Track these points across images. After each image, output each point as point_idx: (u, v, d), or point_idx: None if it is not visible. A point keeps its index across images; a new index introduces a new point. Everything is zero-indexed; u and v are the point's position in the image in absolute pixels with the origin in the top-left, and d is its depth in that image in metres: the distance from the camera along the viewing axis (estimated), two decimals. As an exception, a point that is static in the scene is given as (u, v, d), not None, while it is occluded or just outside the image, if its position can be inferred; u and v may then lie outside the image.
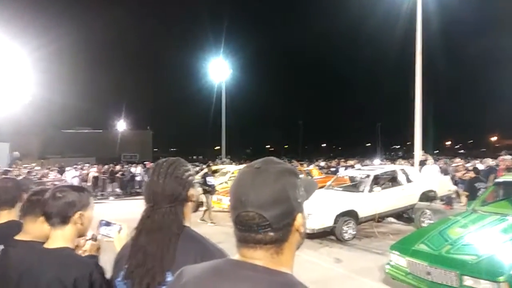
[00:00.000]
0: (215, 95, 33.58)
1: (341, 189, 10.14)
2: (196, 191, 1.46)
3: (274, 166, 0.90)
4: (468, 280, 4.19)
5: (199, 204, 10.62)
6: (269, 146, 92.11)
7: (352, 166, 18.19)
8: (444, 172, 12.64)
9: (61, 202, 1.61)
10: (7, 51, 20.28)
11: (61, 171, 18.76)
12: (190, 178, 1.43)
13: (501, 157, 11.95)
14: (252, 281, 0.83)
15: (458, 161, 15.51)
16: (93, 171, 18.85)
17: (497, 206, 6.07)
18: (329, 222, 8.31)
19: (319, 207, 8.47)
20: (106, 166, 21.25)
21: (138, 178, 19.56)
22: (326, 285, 5.75)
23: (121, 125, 52.79)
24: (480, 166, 12.43)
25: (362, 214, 8.80)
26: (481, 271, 4.17)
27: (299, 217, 0.88)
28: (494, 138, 74.82)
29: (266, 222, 0.84)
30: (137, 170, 20.20)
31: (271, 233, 0.85)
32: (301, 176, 0.97)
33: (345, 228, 8.45)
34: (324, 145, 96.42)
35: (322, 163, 24.81)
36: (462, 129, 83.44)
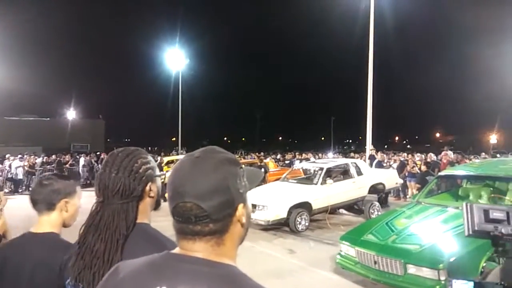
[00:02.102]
0: (172, 85, 32.97)
1: (295, 181, 10.35)
2: (156, 186, 1.34)
3: (214, 155, 0.87)
4: (411, 268, 4.45)
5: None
6: (226, 138, 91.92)
7: (307, 159, 18.60)
8: (402, 166, 13.11)
9: (47, 189, 1.67)
10: None
11: (2, 161, 17.59)
12: (149, 172, 1.31)
13: (444, 152, 12.76)
14: (191, 274, 0.80)
15: (404, 155, 16.36)
16: (16, 163, 16.65)
17: (439, 198, 6.48)
18: (283, 214, 8.47)
19: (274, 199, 8.60)
20: (53, 156, 20.21)
21: (86, 169, 18.81)
22: (280, 276, 5.86)
23: (71, 114, 50.39)
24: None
25: (315, 205, 9.04)
26: (424, 259, 4.44)
27: (240, 207, 0.86)
28: (437, 134, 79.68)
29: (205, 213, 0.81)
30: (85, 161, 19.33)
31: (210, 224, 0.82)
32: (245, 166, 0.96)
33: (298, 219, 8.65)
34: (281, 138, 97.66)
35: (278, 156, 25.16)
36: (409, 125, 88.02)
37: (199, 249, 0.83)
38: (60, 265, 1.46)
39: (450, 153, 12.39)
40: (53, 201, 1.67)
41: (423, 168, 10.35)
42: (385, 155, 14.77)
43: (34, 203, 1.69)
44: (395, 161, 14.66)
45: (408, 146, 63.85)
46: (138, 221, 1.26)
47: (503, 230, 2.04)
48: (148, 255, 1.10)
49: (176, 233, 0.86)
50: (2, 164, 16.70)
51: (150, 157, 1.36)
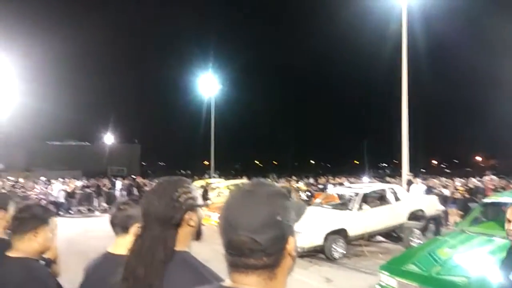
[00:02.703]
0: (205, 110, 33.67)
1: (330, 207, 10.15)
2: (197, 216, 1.37)
3: (266, 188, 0.89)
4: (458, 302, 4.20)
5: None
6: (258, 162, 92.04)
7: (341, 184, 18.27)
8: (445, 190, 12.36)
9: (123, 214, 1.80)
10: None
11: (47, 184, 18.42)
12: (189, 201, 1.33)
13: (489, 177, 12.17)
14: None
15: (444, 180, 15.72)
16: (58, 186, 17.46)
17: (485, 227, 6.14)
18: (319, 241, 8.28)
19: (309, 225, 8.44)
20: (92, 180, 20.96)
21: (118, 193, 19.30)
22: (316, 305, 5.69)
23: (109, 138, 52.34)
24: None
25: (351, 232, 8.79)
26: (471, 293, 4.18)
27: (291, 240, 0.87)
28: (479, 158, 76.22)
29: (259, 247, 0.82)
30: (119, 185, 19.76)
31: (264, 258, 0.83)
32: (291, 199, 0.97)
33: (334, 246, 8.43)
34: (313, 162, 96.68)
35: (311, 180, 24.86)
36: (448, 148, 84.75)
37: (252, 282, 0.83)
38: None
39: (494, 178, 11.80)
40: (127, 225, 1.78)
41: (465, 194, 9.91)
42: (436, 181, 13.86)
43: (112, 225, 1.82)
44: (445, 187, 13.71)
45: (447, 170, 61.37)
46: (178, 249, 1.29)
47: None
48: (187, 283, 1.12)
49: (228, 265, 0.87)
50: (47, 188, 17.46)
51: (192, 187, 1.40)
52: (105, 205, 18.94)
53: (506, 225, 2.49)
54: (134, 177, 23.52)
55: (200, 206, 1.39)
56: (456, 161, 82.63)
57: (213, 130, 31.69)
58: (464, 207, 9.00)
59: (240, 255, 0.83)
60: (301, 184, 20.28)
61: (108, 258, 1.73)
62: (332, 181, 21.09)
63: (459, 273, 4.65)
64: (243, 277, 0.84)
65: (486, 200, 7.22)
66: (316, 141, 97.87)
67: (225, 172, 43.73)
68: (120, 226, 1.79)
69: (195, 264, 1.29)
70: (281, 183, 20.42)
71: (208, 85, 31.93)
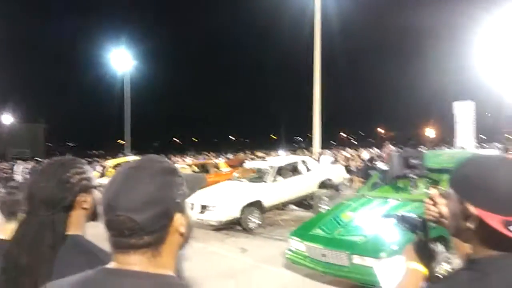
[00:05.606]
0: (118, 87, 31.86)
1: (246, 180, 10.42)
2: (92, 197, 1.30)
3: (150, 164, 0.86)
4: (356, 259, 4.66)
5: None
6: (177, 139, 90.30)
7: (261, 158, 18.80)
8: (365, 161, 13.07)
9: (12, 198, 1.84)
10: None
11: None
12: (83, 182, 1.26)
13: (387, 146, 13.49)
14: None
15: (350, 151, 17.06)
16: None
17: (381, 191, 6.81)
18: (236, 213, 8.50)
19: (226, 199, 8.61)
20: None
21: (19, 177, 17.64)
22: (232, 276, 5.87)
23: (8, 118, 46.98)
24: (366, 155, 13.81)
25: (266, 203, 9.17)
26: (367, 249, 4.67)
27: (177, 217, 0.84)
28: (381, 130, 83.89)
29: (138, 226, 0.78)
30: (19, 168, 17.98)
31: (145, 237, 0.79)
32: (186, 172, 0.97)
33: (250, 218, 8.72)
34: (232, 138, 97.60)
35: (230, 156, 25.18)
36: (355, 121, 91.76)
37: (135, 261, 0.81)
38: None
39: (392, 147, 13.14)
40: (15, 210, 1.74)
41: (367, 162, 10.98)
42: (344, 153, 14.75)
43: (1, 210, 1.86)
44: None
45: (355, 142, 66.49)
46: (71, 232, 1.22)
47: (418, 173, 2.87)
48: (80, 267, 1.02)
49: (111, 247, 0.84)
50: None
51: (86, 167, 1.32)
52: (3, 190, 17.09)
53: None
54: (38, 159, 21.53)
55: (94, 187, 1.32)
56: (362, 133, 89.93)
57: (128, 108, 30.21)
58: (365, 174, 9.87)
59: (120, 235, 0.80)
60: (220, 160, 20.43)
61: None
62: (251, 156, 21.60)
63: (358, 233, 5.14)
64: (125, 257, 0.81)
65: (383, 167, 8.01)
66: (235, 117, 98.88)
67: (143, 150, 42.12)
68: (7, 210, 1.73)
69: (89, 247, 1.23)
70: (200, 160, 20.38)
71: (121, 60, 30.12)
